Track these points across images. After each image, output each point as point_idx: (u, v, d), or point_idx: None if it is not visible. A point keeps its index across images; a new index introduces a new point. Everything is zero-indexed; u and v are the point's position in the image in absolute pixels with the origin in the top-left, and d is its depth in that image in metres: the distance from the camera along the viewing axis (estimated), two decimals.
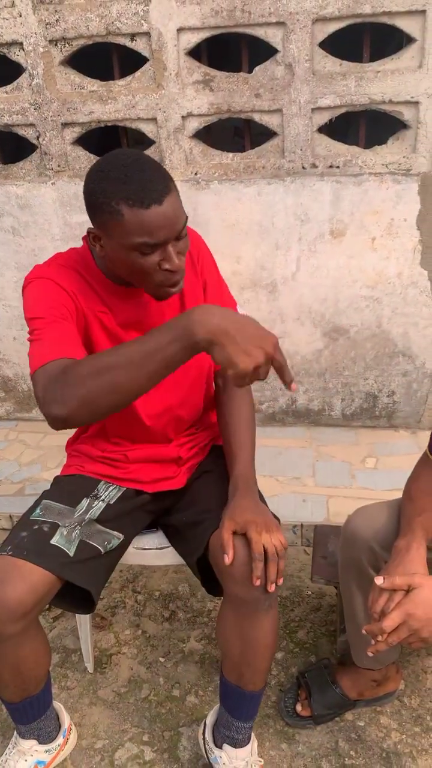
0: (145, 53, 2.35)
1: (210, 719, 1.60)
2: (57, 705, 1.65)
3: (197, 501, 1.54)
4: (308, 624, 2.03)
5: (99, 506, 1.51)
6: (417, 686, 1.82)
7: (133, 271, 1.27)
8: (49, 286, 1.33)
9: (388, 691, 1.76)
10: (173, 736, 1.71)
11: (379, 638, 1.21)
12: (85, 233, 1.35)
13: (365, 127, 2.43)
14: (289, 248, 2.53)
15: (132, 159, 1.22)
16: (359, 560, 1.49)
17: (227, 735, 1.51)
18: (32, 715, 1.52)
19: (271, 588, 1.29)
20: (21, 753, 1.55)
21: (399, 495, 2.36)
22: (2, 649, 1.34)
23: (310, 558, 2.27)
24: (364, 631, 1.24)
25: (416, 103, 2.26)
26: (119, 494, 1.57)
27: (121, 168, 1.20)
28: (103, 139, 2.82)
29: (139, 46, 2.35)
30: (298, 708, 1.73)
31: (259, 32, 2.25)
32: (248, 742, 1.53)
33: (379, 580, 1.24)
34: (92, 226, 1.29)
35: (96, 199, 1.22)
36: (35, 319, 1.28)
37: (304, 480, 2.52)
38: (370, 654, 1.23)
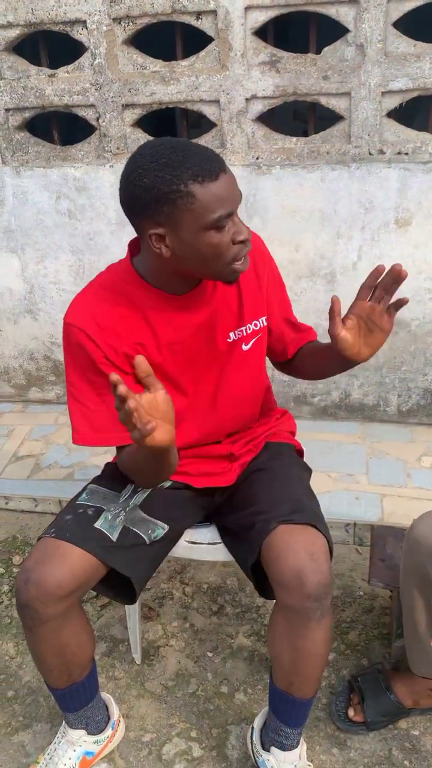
0: (211, 32, 2.28)
1: (258, 722, 1.57)
2: (106, 696, 1.64)
3: (249, 502, 1.49)
4: (360, 626, 1.98)
5: (144, 492, 1.49)
6: None
7: (206, 255, 1.21)
8: (75, 348, 1.33)
9: None
10: (221, 734, 1.68)
11: None
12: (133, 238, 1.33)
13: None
14: (351, 237, 2.45)
15: (173, 142, 1.18)
16: (423, 567, 1.43)
17: (275, 739, 1.48)
18: (79, 703, 1.51)
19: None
20: (70, 743, 1.54)
21: None
22: (43, 631, 1.33)
23: (362, 557, 2.22)
24: None
25: None
26: (167, 485, 1.54)
27: (173, 152, 1.15)
28: (158, 122, 2.77)
29: (205, 25, 2.28)
30: (351, 713, 1.69)
31: (331, 11, 2.16)
32: (297, 746, 1.49)
33: None
34: (153, 228, 1.19)
35: (158, 193, 1.15)
36: (69, 380, 1.37)
37: (357, 477, 2.45)
38: None
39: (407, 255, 2.43)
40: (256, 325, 1.47)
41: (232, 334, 1.44)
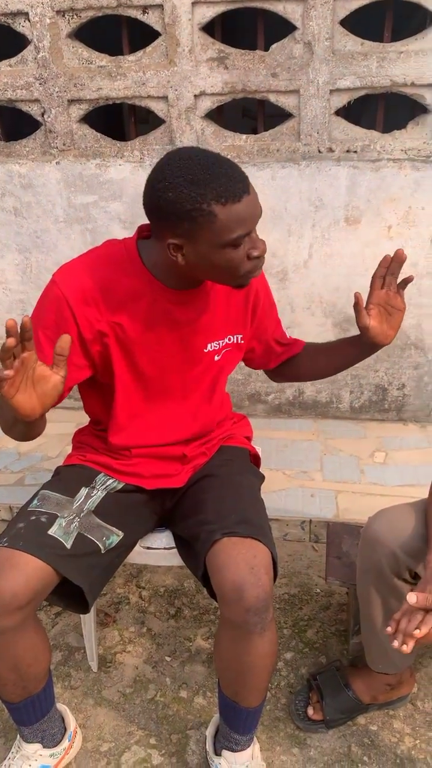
0: (158, 27, 2.24)
1: (210, 730, 1.57)
2: (62, 707, 1.60)
3: (197, 509, 1.48)
4: (317, 623, 1.98)
5: (97, 496, 1.47)
6: (430, 689, 1.78)
7: (221, 269, 1.23)
8: (48, 305, 1.32)
9: (402, 694, 1.72)
10: (181, 740, 1.66)
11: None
12: (134, 231, 1.34)
13: (383, 111, 2.34)
14: (302, 235, 2.45)
15: (203, 158, 1.17)
16: (380, 565, 1.43)
17: (226, 744, 1.48)
18: (35, 716, 1.46)
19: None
20: (25, 758, 1.49)
21: (411, 491, 2.35)
22: None
23: (319, 555, 2.23)
24: (395, 644, 1.18)
25: None
26: (118, 487, 1.52)
27: (201, 170, 1.15)
28: (107, 118, 2.72)
29: (151, 19, 2.24)
30: (310, 712, 1.69)
31: (278, 7, 2.15)
32: (249, 746, 1.49)
33: (412, 599, 1.18)
34: (171, 238, 1.21)
35: (181, 209, 1.16)
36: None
37: (312, 474, 2.46)
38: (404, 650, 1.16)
39: (357, 253, 2.45)
40: (230, 339, 1.50)
41: (209, 345, 1.46)
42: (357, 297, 1.38)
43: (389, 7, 2.19)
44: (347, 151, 2.31)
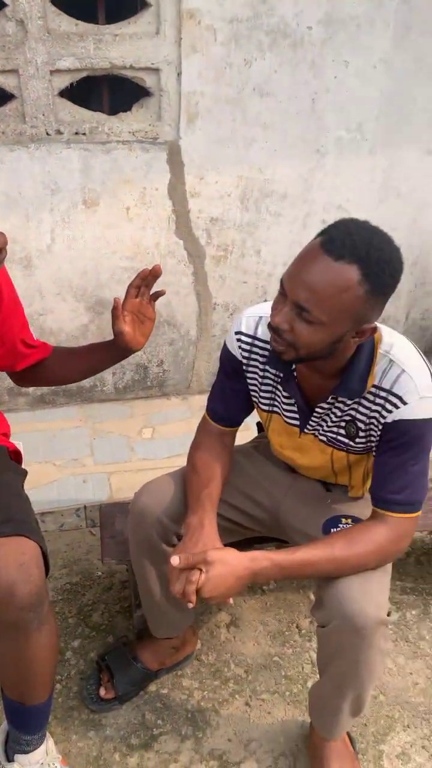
0: None
1: None
2: None
3: None
4: (102, 605, 2.00)
5: None
6: (212, 642, 1.90)
7: None
8: None
9: (187, 653, 1.81)
10: None
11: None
12: None
13: (112, 94, 2.37)
14: (42, 219, 2.39)
15: None
16: (150, 536, 1.48)
17: (17, 748, 1.44)
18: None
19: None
20: None
21: (178, 460, 2.45)
22: None
23: (97, 539, 2.24)
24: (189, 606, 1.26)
25: (157, 70, 2.25)
26: None
27: None
28: None
29: None
30: (102, 692, 1.71)
31: None
32: (42, 744, 1.47)
33: (175, 560, 1.25)
34: None
35: None
36: None
37: (83, 460, 2.46)
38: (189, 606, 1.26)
39: (100, 236, 2.46)
40: None
41: None
42: (116, 302, 1.45)
43: None
44: (76, 134, 2.29)
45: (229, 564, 1.24)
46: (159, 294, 1.48)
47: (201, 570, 1.25)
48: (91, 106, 2.36)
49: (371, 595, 1.27)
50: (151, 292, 1.48)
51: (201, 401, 2.83)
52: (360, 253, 1.10)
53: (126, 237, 2.49)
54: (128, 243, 2.50)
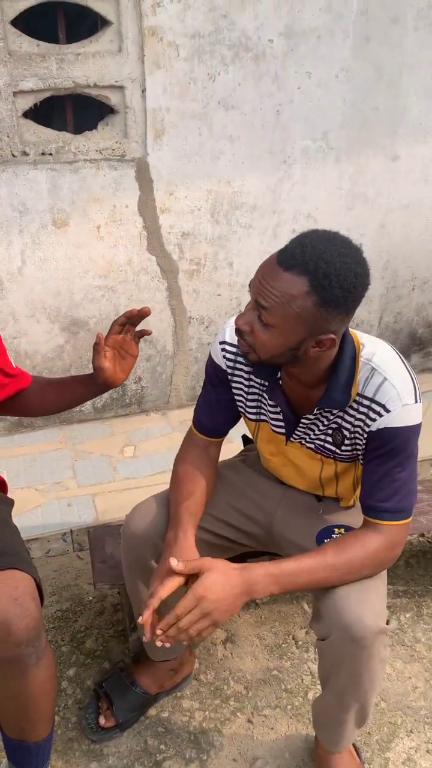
0: None
1: None
2: None
3: None
4: (95, 630, 1.96)
5: None
6: (209, 660, 1.87)
7: None
8: None
9: (186, 674, 1.78)
10: None
11: (171, 630, 1.19)
12: None
13: (76, 113, 2.35)
14: (11, 242, 2.36)
15: None
16: (144, 558, 1.46)
17: None
18: None
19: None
20: None
21: (162, 477, 2.43)
22: None
23: (85, 563, 2.20)
24: (159, 629, 1.21)
25: (121, 87, 2.24)
26: None
27: None
28: None
29: None
30: (102, 721, 1.66)
31: None
32: None
33: (173, 562, 1.22)
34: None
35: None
36: None
37: (66, 483, 2.42)
38: (159, 644, 1.20)
39: (72, 256, 2.44)
40: None
41: None
42: (98, 337, 1.42)
43: (61, 8, 2.18)
44: (42, 154, 2.27)
45: (224, 573, 1.22)
46: (145, 333, 1.45)
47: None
48: (55, 125, 2.34)
49: (369, 604, 1.26)
50: (137, 329, 1.47)
51: (181, 416, 2.84)
52: (308, 265, 1.12)
53: (98, 256, 2.47)
54: (100, 262, 2.48)
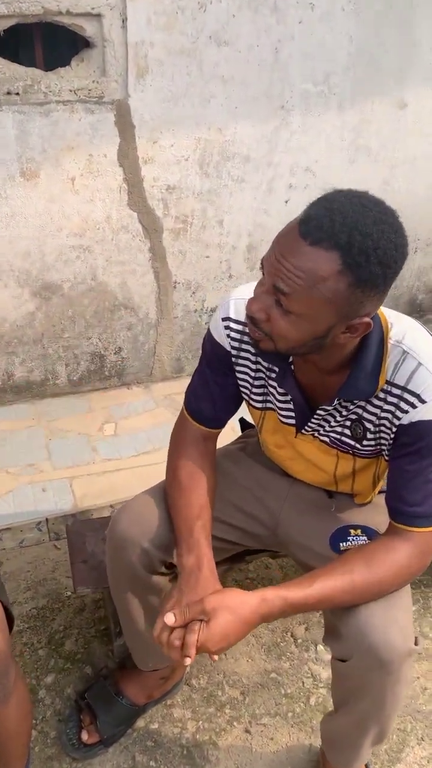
0: None
1: None
2: None
3: None
4: (75, 630, 1.79)
5: None
6: (202, 663, 1.73)
7: None
8: None
9: (176, 680, 1.63)
10: None
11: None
12: None
13: (47, 48, 2.07)
14: None
15: None
16: (132, 566, 1.29)
17: None
18: None
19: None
20: None
21: (146, 458, 2.24)
22: None
23: (63, 553, 2.02)
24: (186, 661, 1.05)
25: (98, 15, 1.96)
26: None
27: None
28: None
29: None
30: (84, 736, 1.51)
31: None
32: None
33: (170, 619, 1.05)
34: None
35: None
36: None
37: (40, 465, 2.21)
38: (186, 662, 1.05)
39: (43, 211, 2.18)
40: None
41: None
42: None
43: None
44: (8, 93, 1.98)
45: (235, 610, 1.05)
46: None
47: (202, 620, 1.05)
48: (23, 63, 2.05)
49: (397, 623, 1.11)
50: None
51: (165, 389, 2.64)
52: (340, 238, 0.91)
53: (72, 212, 2.21)
54: (75, 218, 2.23)
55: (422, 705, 1.66)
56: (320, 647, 1.77)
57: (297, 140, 2.33)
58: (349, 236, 0.91)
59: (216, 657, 1.07)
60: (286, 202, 2.44)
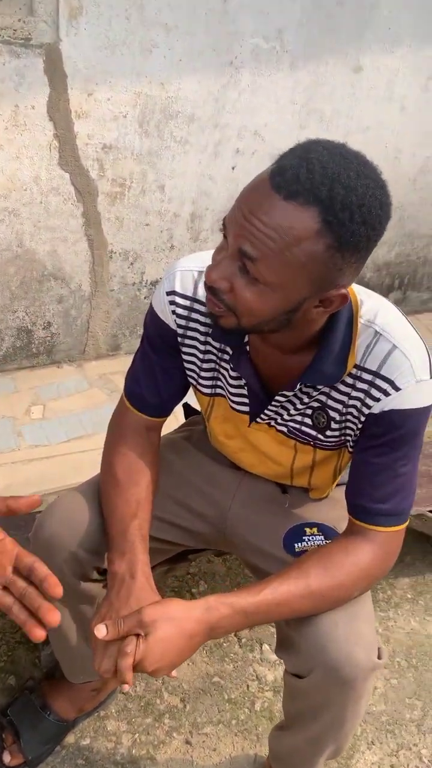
0: None
1: None
2: None
3: None
4: None
5: None
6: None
7: None
8: None
9: (109, 691, 1.50)
10: None
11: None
12: None
13: None
14: None
15: None
16: (61, 573, 1.13)
17: None
18: None
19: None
20: None
21: (78, 445, 2.07)
22: None
23: None
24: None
25: None
26: None
27: None
28: None
29: None
30: (6, 758, 1.37)
31: None
32: None
33: (101, 631, 0.92)
34: None
35: None
36: None
37: None
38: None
39: None
40: None
41: None
42: None
43: None
44: None
45: (176, 621, 0.94)
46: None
47: (138, 635, 0.93)
48: None
49: (359, 634, 1.03)
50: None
51: (99, 368, 2.46)
52: (320, 191, 0.80)
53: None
54: (0, 178, 2.00)
55: (372, 706, 1.59)
56: (266, 646, 1.67)
57: (246, 100, 2.17)
58: (330, 189, 0.78)
59: (174, 674, 0.96)
60: (233, 168, 2.28)
